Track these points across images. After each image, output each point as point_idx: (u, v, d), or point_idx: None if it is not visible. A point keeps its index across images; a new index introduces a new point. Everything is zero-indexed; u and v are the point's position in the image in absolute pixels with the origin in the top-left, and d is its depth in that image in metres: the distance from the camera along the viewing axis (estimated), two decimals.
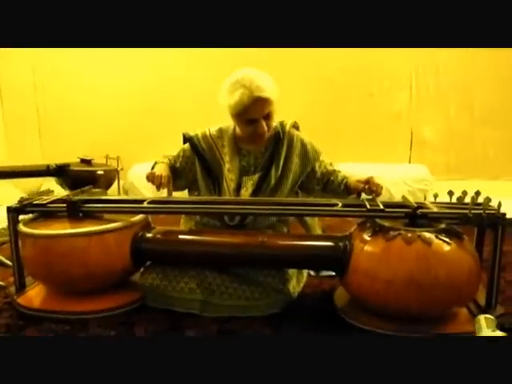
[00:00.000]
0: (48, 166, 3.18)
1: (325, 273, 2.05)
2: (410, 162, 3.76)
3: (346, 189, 1.85)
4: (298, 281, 1.86)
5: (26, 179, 3.33)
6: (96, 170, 3.33)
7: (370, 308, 1.58)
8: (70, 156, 3.39)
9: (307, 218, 1.97)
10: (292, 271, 1.80)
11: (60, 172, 3.22)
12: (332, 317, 1.65)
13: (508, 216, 2.80)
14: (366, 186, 1.73)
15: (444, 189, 1.70)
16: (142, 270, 1.82)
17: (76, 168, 3.28)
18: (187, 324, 1.62)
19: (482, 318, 1.12)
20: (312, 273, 2.05)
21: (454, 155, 3.66)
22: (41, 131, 4.06)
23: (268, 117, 1.76)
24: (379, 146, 3.70)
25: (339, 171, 1.94)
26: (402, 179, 3.41)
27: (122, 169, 3.59)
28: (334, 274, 1.97)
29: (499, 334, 1.02)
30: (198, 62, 3.80)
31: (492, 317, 1.12)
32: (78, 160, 3.42)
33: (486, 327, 1.07)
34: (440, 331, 1.49)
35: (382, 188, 1.74)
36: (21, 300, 1.75)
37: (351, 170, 3.23)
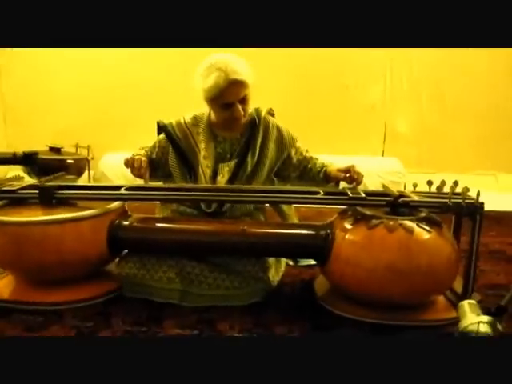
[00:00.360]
0: (15, 154, 3.05)
1: (304, 262, 2.05)
2: (383, 155, 3.81)
3: (325, 177, 1.85)
4: (276, 270, 1.84)
5: None
6: (66, 159, 3.22)
7: (351, 296, 1.58)
8: (37, 145, 3.26)
9: (284, 207, 1.96)
10: (271, 260, 1.78)
11: (27, 160, 3.09)
12: (313, 305, 1.65)
13: None
14: (347, 175, 1.74)
15: (417, 181, 1.72)
16: (118, 259, 1.77)
17: (44, 156, 3.16)
18: (166, 314, 1.58)
19: (465, 303, 1.14)
20: (290, 262, 2.05)
21: (425, 148, 3.74)
22: (6, 118, 3.89)
23: (244, 101, 1.74)
24: (353, 139, 3.73)
25: (316, 158, 1.94)
26: (375, 172, 3.45)
27: (92, 158, 3.48)
28: (312, 263, 1.98)
29: (484, 318, 1.03)
30: (173, 49, 3.72)
31: (475, 302, 1.14)
32: (47, 148, 3.30)
33: (470, 312, 1.08)
34: (419, 318, 1.52)
35: (362, 177, 1.75)
36: None
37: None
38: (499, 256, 2.21)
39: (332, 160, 1.94)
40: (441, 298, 1.62)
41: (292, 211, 2.01)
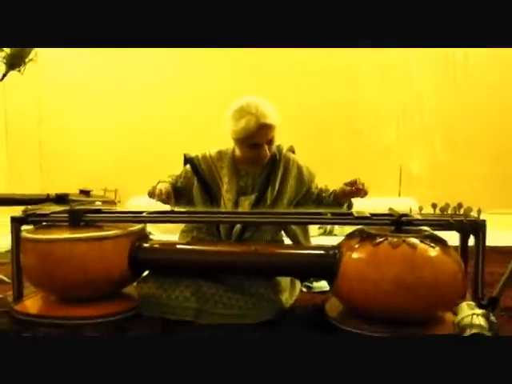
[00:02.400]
0: (48, 195, 3.25)
1: (316, 289, 2.10)
2: (399, 196, 3.88)
3: (335, 199, 1.93)
4: (290, 294, 1.90)
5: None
6: (94, 201, 3.41)
7: (360, 312, 1.62)
8: (69, 189, 3.47)
9: (301, 238, 2.03)
10: (285, 284, 1.85)
11: (59, 201, 3.28)
12: (324, 324, 1.69)
13: (495, 245, 2.92)
14: (353, 188, 1.81)
15: None
16: (137, 280, 1.87)
17: (75, 198, 3.36)
18: (181, 329, 1.65)
19: (463, 303, 1.18)
20: (304, 289, 2.10)
21: (441, 189, 3.79)
22: (42, 165, 4.18)
23: (270, 142, 1.87)
24: (369, 181, 3.78)
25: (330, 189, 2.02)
26: None
27: (119, 201, 3.65)
28: (325, 289, 2.03)
29: (478, 311, 1.07)
30: (194, 94, 4.00)
31: (473, 303, 1.18)
32: (78, 192, 3.51)
33: (467, 308, 1.13)
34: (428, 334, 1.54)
35: (368, 188, 1.82)
36: (18, 307, 1.78)
37: None
38: None
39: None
40: (449, 315, 1.63)
41: (310, 242, 2.07)
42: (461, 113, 3.78)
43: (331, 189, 2.00)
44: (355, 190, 1.81)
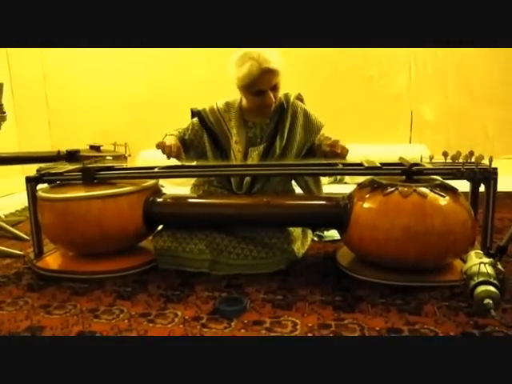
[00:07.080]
0: (59, 152, 3.28)
1: (328, 238, 2.15)
2: (410, 142, 3.85)
3: (322, 152, 1.91)
4: (302, 243, 1.94)
5: (36, 166, 3.42)
6: (105, 156, 3.43)
7: (371, 260, 1.66)
8: (79, 145, 3.49)
9: (313, 187, 2.04)
10: (297, 234, 1.88)
11: (70, 157, 3.31)
12: (335, 271, 1.74)
13: (507, 190, 2.91)
14: (331, 150, 1.79)
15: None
16: (152, 235, 1.92)
17: (86, 154, 3.38)
18: (197, 280, 1.71)
19: (472, 252, 1.20)
20: (315, 238, 2.15)
21: (453, 134, 3.74)
22: (50, 121, 4.18)
23: (275, 88, 1.84)
24: (380, 127, 3.78)
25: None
26: None
27: (129, 155, 3.66)
28: (336, 238, 2.07)
29: (486, 259, 1.10)
30: (202, 50, 3.90)
31: (481, 251, 1.20)
32: (88, 147, 3.53)
33: (475, 257, 1.15)
34: (436, 280, 1.58)
35: (347, 151, 1.80)
36: (40, 264, 1.85)
37: (353, 151, 3.29)
38: None
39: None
40: (459, 262, 1.67)
41: (321, 191, 2.08)
42: (474, 56, 3.65)
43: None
44: (332, 152, 1.79)
